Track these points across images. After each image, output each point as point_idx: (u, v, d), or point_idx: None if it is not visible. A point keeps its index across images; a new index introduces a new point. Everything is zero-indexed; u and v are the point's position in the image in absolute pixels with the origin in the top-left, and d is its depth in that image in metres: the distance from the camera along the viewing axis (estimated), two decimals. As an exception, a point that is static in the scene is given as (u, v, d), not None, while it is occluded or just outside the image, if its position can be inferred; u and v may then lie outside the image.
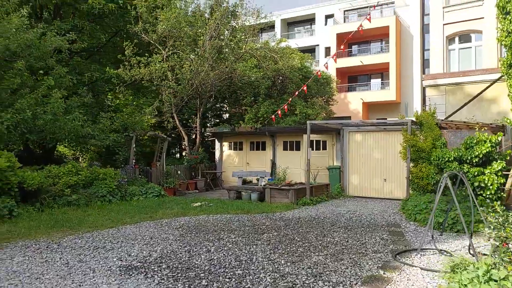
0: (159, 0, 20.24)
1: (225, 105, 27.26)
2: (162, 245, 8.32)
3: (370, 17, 18.96)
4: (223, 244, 8.37)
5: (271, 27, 39.40)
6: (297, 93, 20.21)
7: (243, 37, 22.15)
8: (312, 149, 17.82)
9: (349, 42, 34.27)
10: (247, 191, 15.35)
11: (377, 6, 36.54)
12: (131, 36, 20.93)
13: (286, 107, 19.43)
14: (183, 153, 26.32)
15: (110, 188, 14.36)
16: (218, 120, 27.37)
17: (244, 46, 21.96)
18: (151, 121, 21.82)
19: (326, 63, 20.96)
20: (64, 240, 8.85)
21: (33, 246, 8.28)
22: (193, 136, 24.51)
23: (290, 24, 43.60)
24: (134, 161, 17.43)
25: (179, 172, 19.16)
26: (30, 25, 14.22)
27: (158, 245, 8.28)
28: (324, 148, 18.69)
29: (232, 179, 19.56)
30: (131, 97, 22.75)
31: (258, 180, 16.52)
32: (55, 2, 18.30)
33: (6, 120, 11.94)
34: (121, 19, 20.92)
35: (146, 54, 19.86)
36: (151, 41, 20.55)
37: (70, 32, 15.38)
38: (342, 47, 21.79)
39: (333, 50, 35.60)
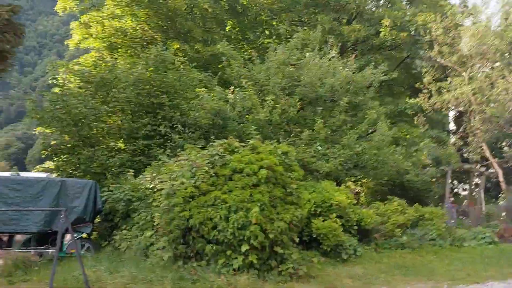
0: (458, 17, 18.09)
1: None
2: None
3: None
4: None
5: None
6: None
7: None
8: None
9: None
10: None
11: None
12: (422, 63, 19.37)
13: None
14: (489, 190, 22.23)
15: (439, 231, 12.51)
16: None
17: None
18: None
19: None
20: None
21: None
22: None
23: None
24: (451, 199, 15.17)
25: (503, 213, 15.68)
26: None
27: None
28: None
29: None
30: (425, 127, 20.89)
31: None
32: (352, 40, 18.82)
33: (338, 155, 11.87)
34: (411, 47, 19.85)
35: (446, 79, 17.79)
36: (449, 64, 18.38)
37: (382, 65, 14.95)
38: None
39: None
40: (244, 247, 6.89)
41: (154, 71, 14.68)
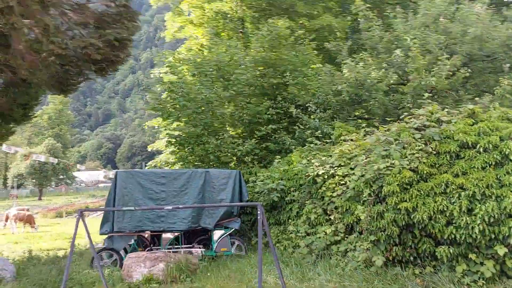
0: None
1: None
2: None
3: None
4: None
5: None
6: None
7: None
8: None
9: None
10: None
11: None
12: None
13: None
14: None
15: None
16: None
17: None
18: None
19: None
20: None
21: None
22: None
23: None
24: None
25: None
26: None
27: None
28: None
29: None
30: None
31: None
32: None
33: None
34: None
35: None
36: None
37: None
38: None
39: None
40: (500, 250, 5.05)
41: (270, 50, 13.31)
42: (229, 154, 11.83)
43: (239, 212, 9.30)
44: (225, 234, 8.94)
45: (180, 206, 5.98)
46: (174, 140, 12.37)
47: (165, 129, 13.40)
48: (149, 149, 20.09)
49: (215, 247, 8.88)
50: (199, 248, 8.94)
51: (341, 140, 8.39)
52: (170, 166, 14.62)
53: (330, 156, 7.88)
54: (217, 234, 9.01)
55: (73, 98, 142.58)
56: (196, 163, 12.42)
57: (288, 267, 6.66)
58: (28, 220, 17.86)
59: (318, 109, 11.15)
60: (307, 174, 7.59)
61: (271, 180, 8.70)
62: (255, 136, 12.18)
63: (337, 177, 7.20)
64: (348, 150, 7.38)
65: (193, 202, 8.72)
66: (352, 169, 6.96)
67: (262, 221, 4.82)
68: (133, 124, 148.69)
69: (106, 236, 8.58)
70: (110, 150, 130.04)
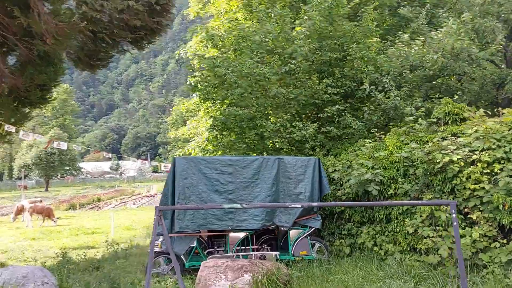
0: None
1: None
2: None
3: None
4: None
5: None
6: None
7: None
8: None
9: None
10: None
11: None
12: None
13: None
14: None
15: None
16: None
17: None
18: None
19: None
20: None
21: None
22: None
23: None
24: None
25: None
26: None
27: None
28: None
29: None
30: None
31: None
32: None
33: None
34: None
35: None
36: None
37: None
38: None
39: None
40: None
41: (325, 20, 11.53)
42: (285, 140, 10.18)
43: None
44: (305, 234, 7.33)
45: (293, 205, 4.36)
46: (221, 124, 10.70)
47: (207, 112, 11.75)
48: (171, 136, 18.42)
49: (292, 250, 7.27)
50: (272, 251, 7.34)
51: (452, 118, 6.75)
52: (208, 155, 12.90)
53: (457, 136, 6.24)
54: (293, 234, 7.40)
55: (76, 88, 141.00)
56: (245, 152, 10.80)
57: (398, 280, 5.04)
58: (47, 213, 16.24)
59: (394, 87, 9.45)
60: (437, 160, 5.83)
61: (366, 169, 7.02)
62: (312, 118, 10.52)
63: (479, 164, 5.55)
64: (490, 129, 5.70)
65: (266, 196, 7.10)
66: (506, 152, 5.33)
67: (455, 224, 3.18)
68: (137, 115, 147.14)
69: (162, 237, 6.99)
70: (114, 141, 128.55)
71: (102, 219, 20.94)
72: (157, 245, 7.38)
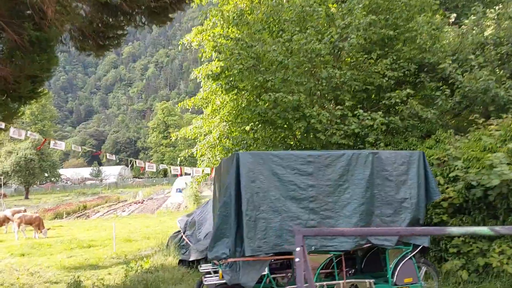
0: None
1: None
2: None
3: None
4: None
5: None
6: None
7: None
8: None
9: None
10: None
11: None
12: None
13: None
14: None
15: None
16: None
17: None
18: None
19: None
20: None
21: None
22: None
23: None
24: None
25: None
26: None
27: None
28: None
29: None
30: None
31: None
32: None
33: None
34: None
35: None
36: None
37: None
38: None
39: None
40: None
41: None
42: (337, 133, 8.45)
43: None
44: (409, 256, 5.50)
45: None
46: (258, 116, 8.88)
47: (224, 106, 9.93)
48: (173, 137, 16.46)
49: (394, 277, 5.42)
50: (366, 279, 5.50)
51: None
52: (225, 154, 11.00)
53: None
54: (393, 254, 5.60)
55: (54, 93, 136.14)
56: (284, 149, 9.06)
57: None
58: (37, 224, 14.02)
59: (477, 66, 7.88)
60: None
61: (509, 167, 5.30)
62: (372, 106, 8.86)
63: None
64: None
65: (359, 205, 5.25)
66: None
67: None
68: (116, 120, 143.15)
69: (220, 262, 5.11)
70: (93, 146, 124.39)
71: (94, 229, 18.87)
72: (207, 272, 5.52)
